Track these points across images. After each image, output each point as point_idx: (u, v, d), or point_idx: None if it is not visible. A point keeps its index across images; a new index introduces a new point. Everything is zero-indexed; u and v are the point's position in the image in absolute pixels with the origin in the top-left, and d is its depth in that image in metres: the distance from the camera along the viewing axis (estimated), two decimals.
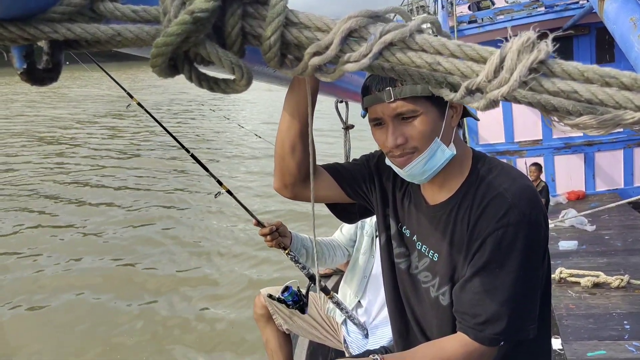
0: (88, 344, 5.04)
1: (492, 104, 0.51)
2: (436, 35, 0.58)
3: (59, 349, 4.99)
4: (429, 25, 0.63)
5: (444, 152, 1.30)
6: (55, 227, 8.26)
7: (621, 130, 0.54)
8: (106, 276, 6.50)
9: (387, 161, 1.37)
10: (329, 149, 11.58)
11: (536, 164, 6.92)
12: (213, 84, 0.63)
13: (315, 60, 0.57)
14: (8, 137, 16.66)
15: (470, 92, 0.52)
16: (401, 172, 1.34)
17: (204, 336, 5.19)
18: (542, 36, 0.52)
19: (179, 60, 0.60)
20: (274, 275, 6.42)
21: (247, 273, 6.63)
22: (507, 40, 0.53)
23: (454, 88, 0.56)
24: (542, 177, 7.04)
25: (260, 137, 4.73)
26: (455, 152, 1.32)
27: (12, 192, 10.44)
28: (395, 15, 0.61)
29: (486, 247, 1.24)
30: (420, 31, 0.53)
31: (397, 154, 1.30)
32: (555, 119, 0.55)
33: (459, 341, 1.31)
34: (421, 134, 1.26)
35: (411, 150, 1.28)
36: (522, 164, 7.40)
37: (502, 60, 0.49)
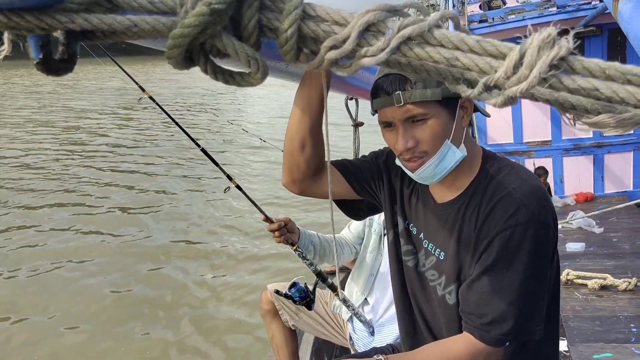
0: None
1: (510, 100, 0.50)
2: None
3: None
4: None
5: (454, 154, 1.29)
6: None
7: (631, 132, 0.53)
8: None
9: (397, 162, 1.37)
10: (338, 142, 11.56)
11: (543, 168, 6.80)
12: (228, 77, 0.63)
13: (332, 54, 0.56)
14: (31, 125, 16.84)
15: (488, 88, 0.52)
16: (412, 175, 1.34)
17: (209, 329, 5.21)
18: (561, 33, 0.51)
19: (194, 52, 0.60)
20: (280, 271, 6.42)
21: (253, 268, 6.64)
22: (525, 37, 0.52)
23: (471, 84, 0.56)
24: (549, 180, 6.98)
25: (264, 140, 4.76)
26: (465, 154, 1.31)
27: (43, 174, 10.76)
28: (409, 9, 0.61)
29: (494, 246, 1.24)
30: (439, 26, 0.53)
31: (408, 157, 1.29)
32: (572, 117, 0.54)
33: (464, 341, 1.30)
34: (431, 137, 1.25)
35: (421, 154, 1.27)
36: (531, 165, 7.35)
37: (521, 57, 0.48)
